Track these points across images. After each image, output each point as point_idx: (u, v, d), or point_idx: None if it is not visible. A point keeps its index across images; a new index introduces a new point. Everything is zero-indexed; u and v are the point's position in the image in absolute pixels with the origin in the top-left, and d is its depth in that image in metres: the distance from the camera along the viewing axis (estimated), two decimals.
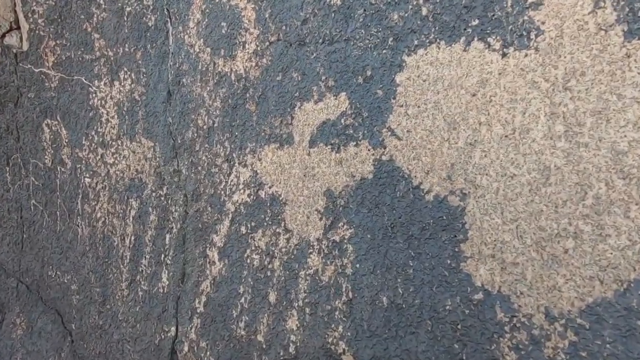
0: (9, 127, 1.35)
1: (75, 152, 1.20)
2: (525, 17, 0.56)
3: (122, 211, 1.10)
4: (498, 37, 0.58)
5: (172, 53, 0.99)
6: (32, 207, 1.35)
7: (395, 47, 0.67)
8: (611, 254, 0.47)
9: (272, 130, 0.82)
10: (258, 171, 0.83)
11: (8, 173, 1.39)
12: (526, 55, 0.56)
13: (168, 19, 0.99)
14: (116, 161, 1.11)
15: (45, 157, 1.28)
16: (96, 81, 1.12)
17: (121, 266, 1.09)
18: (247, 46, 0.87)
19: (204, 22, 0.93)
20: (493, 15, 0.58)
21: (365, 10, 0.71)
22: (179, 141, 0.98)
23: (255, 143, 0.84)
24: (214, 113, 0.92)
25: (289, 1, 0.80)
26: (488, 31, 0.59)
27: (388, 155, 0.66)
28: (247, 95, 0.86)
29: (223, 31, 0.90)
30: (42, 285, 1.35)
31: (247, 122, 0.86)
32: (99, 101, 1.13)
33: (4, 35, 1.27)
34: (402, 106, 0.66)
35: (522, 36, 0.56)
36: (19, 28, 1.23)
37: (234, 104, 0.89)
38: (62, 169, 1.24)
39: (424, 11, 0.65)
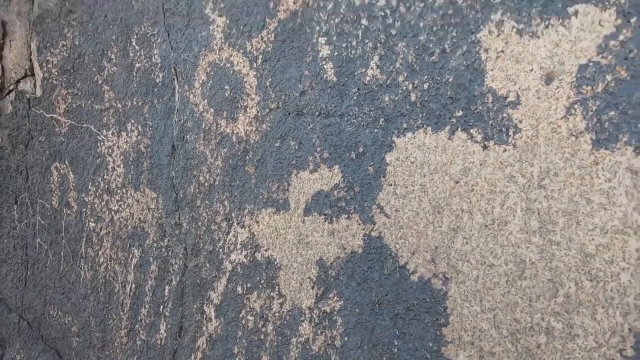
0: (18, 167, 1.44)
1: (81, 196, 1.28)
2: (505, 114, 0.62)
3: (124, 258, 1.17)
4: (480, 130, 0.64)
5: (177, 110, 1.07)
6: (37, 245, 1.43)
7: (386, 128, 0.74)
8: (579, 354, 0.52)
9: (269, 194, 0.88)
10: (255, 233, 0.90)
11: (16, 211, 1.48)
12: (505, 150, 0.61)
13: (175, 77, 1.07)
14: (120, 208, 1.19)
15: (53, 198, 1.36)
16: (104, 130, 1.20)
17: (121, 313, 1.16)
18: (248, 111, 0.94)
19: (209, 84, 1.01)
20: (475, 108, 0.65)
21: (359, 89, 0.78)
22: (181, 195, 1.05)
23: (254, 205, 0.91)
24: (215, 171, 0.99)
25: (289, 72, 0.88)
26: (471, 123, 0.65)
27: (377, 232, 0.72)
28: (247, 157, 0.93)
29: (226, 94, 0.98)
30: (43, 324, 1.42)
31: (246, 184, 0.93)
32: (106, 149, 1.21)
33: (19, 81, 1.37)
34: (391, 185, 0.72)
35: (502, 132, 0.62)
36: (33, 75, 1.34)
37: (235, 164, 0.96)
38: (68, 211, 1.32)
39: (413, 97, 0.71)
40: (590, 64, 0.56)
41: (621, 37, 0.54)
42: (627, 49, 0.54)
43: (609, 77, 0.55)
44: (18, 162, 1.44)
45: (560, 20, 0.59)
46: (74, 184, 1.30)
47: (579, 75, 0.57)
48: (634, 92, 0.53)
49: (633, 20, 0.54)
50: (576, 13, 0.57)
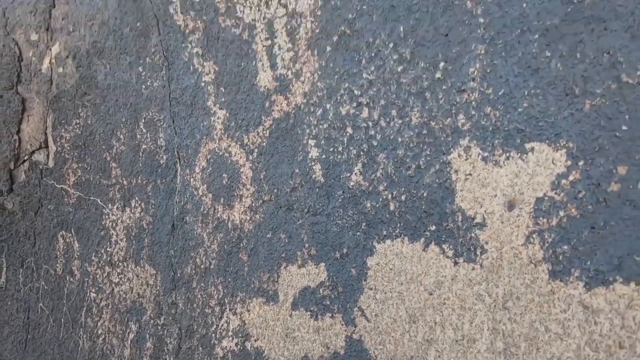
0: (27, 232, 1.53)
1: (84, 266, 1.35)
2: (473, 234, 0.68)
3: (121, 332, 1.22)
4: (451, 246, 0.70)
5: (178, 191, 1.15)
6: (39, 309, 1.50)
7: (368, 232, 0.80)
8: None
9: (260, 284, 0.95)
10: (246, 322, 0.95)
11: (21, 274, 1.55)
12: (473, 268, 0.67)
13: (177, 160, 1.16)
14: (121, 281, 1.25)
15: (57, 265, 1.44)
16: (110, 204, 1.29)
17: None
18: (243, 200, 1.02)
19: (208, 170, 1.10)
20: (447, 225, 0.71)
21: (344, 192, 0.86)
22: (179, 274, 1.12)
23: (245, 293, 0.97)
24: (211, 255, 1.06)
25: (281, 168, 0.96)
26: (443, 238, 0.71)
27: (358, 335, 0.77)
28: (241, 245, 1.00)
29: (224, 182, 1.07)
30: None
31: (239, 271, 0.99)
32: (111, 223, 1.29)
33: (33, 152, 1.48)
34: (371, 289, 0.78)
35: (470, 250, 0.68)
36: (47, 148, 1.45)
37: (229, 250, 1.03)
38: (71, 279, 1.39)
39: (392, 206, 0.78)
40: (546, 198, 0.63)
41: (571, 178, 0.61)
42: (576, 189, 0.61)
43: (561, 213, 0.61)
44: (27, 227, 1.53)
45: (519, 154, 0.66)
46: (78, 253, 1.38)
47: (536, 207, 0.64)
48: (583, 231, 0.59)
49: (580, 163, 0.61)
50: (532, 149, 0.65)
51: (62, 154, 1.43)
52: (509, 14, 0.69)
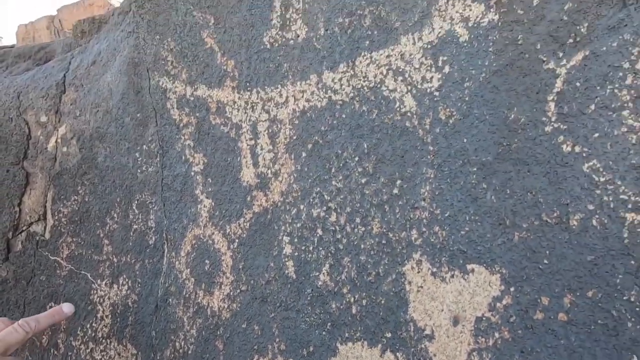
0: (17, 301, 1.60)
1: (69, 340, 1.41)
2: (422, 346, 0.75)
3: None
4: (404, 355, 0.77)
5: (164, 272, 1.24)
6: None
7: (332, 332, 0.88)
8: None
9: None
10: None
11: None
12: None
13: (165, 242, 1.26)
14: (103, 359, 1.31)
15: (43, 337, 1.49)
16: (99, 280, 1.37)
17: None
18: (223, 287, 1.10)
19: (192, 255, 1.19)
20: (401, 334, 0.79)
21: (312, 290, 0.94)
22: (158, 357, 1.18)
23: None
24: (190, 340, 1.12)
25: (258, 260, 1.05)
26: (397, 347, 0.78)
27: None
28: (218, 332, 1.07)
29: (206, 268, 1.15)
30: None
31: (215, 359, 1.05)
32: (99, 298, 1.36)
33: (31, 224, 1.59)
34: None
35: None
36: (45, 220, 1.55)
37: (207, 337, 1.09)
38: (55, 352, 1.44)
39: (354, 310, 0.86)
40: (484, 318, 0.71)
41: (504, 302, 0.69)
42: (509, 313, 0.69)
43: (497, 334, 0.69)
44: (18, 296, 1.60)
45: (462, 273, 0.75)
46: (64, 327, 1.45)
47: (476, 326, 0.71)
48: (514, 354, 0.66)
49: (512, 289, 0.69)
50: (473, 271, 0.74)
51: (59, 228, 1.54)
52: (453, 146, 0.80)
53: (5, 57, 2.00)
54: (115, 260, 1.40)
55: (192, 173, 1.27)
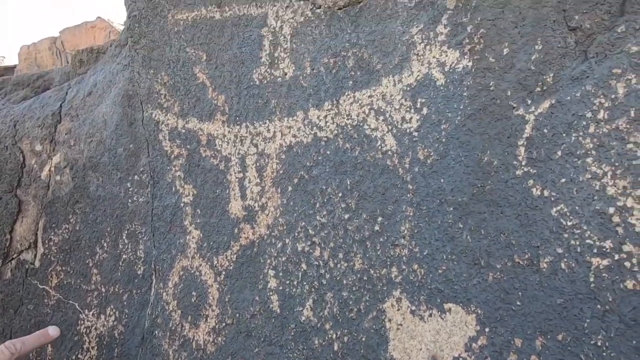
0: (4, 330, 1.60)
1: None
2: None
3: None
4: None
5: (151, 303, 1.25)
6: None
7: None
8: None
9: None
10: None
11: None
12: None
13: (153, 273, 1.28)
14: None
15: None
16: (87, 310, 1.38)
17: None
18: (208, 320, 1.11)
19: (180, 286, 1.20)
20: None
21: (296, 325, 0.95)
22: None
23: None
24: None
25: (244, 294, 1.07)
26: None
27: None
28: None
29: (193, 300, 1.17)
30: None
31: None
32: (85, 329, 1.37)
33: (22, 252, 1.61)
34: None
35: None
36: (36, 248, 1.57)
37: None
38: None
39: (336, 346, 0.87)
40: (460, 358, 0.72)
41: (480, 342, 0.71)
42: (484, 354, 0.70)
43: None
44: (4, 325, 1.61)
45: (439, 312, 0.77)
46: (50, 357, 1.45)
47: None
48: None
49: (487, 330, 0.71)
50: (450, 310, 0.76)
51: (49, 256, 1.56)
52: (431, 185, 0.83)
53: (4, 85, 2.06)
54: (103, 290, 1.42)
55: (182, 204, 1.30)
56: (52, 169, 1.61)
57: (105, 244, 1.46)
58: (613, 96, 0.64)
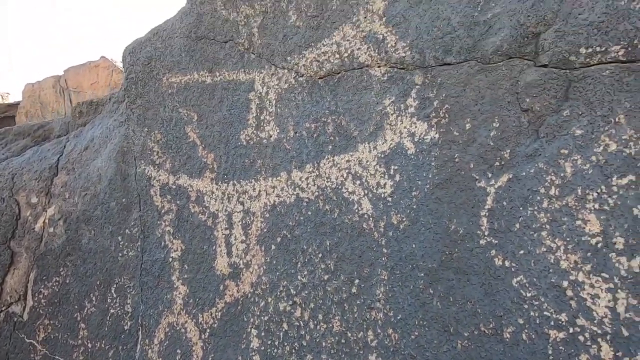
0: None
1: None
2: None
3: None
4: None
5: None
6: None
7: None
8: None
9: None
10: None
11: None
12: None
13: (140, 328, 1.31)
14: None
15: None
16: None
17: None
18: None
19: (165, 344, 1.23)
20: None
21: None
22: None
23: None
24: None
25: (227, 353, 1.09)
26: None
27: None
28: None
29: (177, 358, 1.19)
30: None
31: None
32: None
33: (11, 304, 1.64)
34: None
35: None
36: (25, 300, 1.61)
37: None
38: None
39: None
40: None
41: None
42: None
43: None
44: None
45: None
46: None
47: None
48: None
49: None
50: None
51: (38, 309, 1.59)
52: (404, 250, 0.89)
53: (5, 135, 2.17)
54: (89, 345, 1.44)
55: (170, 259, 1.35)
56: (47, 221, 1.68)
57: (94, 298, 1.50)
58: (562, 174, 0.70)
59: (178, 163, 1.39)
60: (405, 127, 0.94)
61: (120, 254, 1.48)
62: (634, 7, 0.66)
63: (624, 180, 0.65)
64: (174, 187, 1.40)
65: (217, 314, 1.19)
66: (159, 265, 1.37)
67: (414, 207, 0.89)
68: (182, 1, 1.49)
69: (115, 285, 1.46)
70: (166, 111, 1.42)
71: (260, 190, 1.20)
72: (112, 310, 1.44)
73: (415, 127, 0.92)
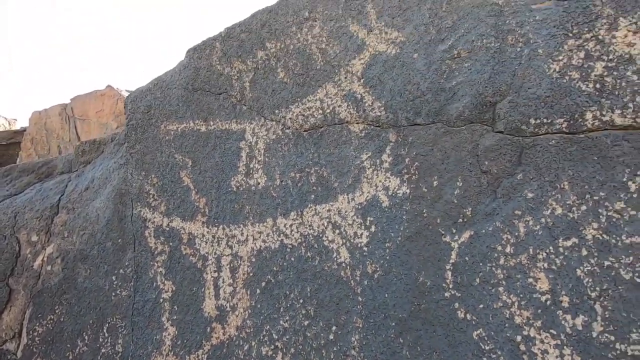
0: None
1: None
2: None
3: None
4: None
5: None
6: None
7: None
8: None
9: None
10: None
11: None
12: None
13: None
14: None
15: None
16: None
17: None
18: None
19: None
20: None
21: None
22: None
23: None
24: None
25: None
26: None
27: None
28: None
29: None
30: None
31: None
32: None
33: (6, 341, 1.70)
34: None
35: None
36: (20, 338, 1.67)
37: None
38: None
39: None
40: None
41: None
42: None
43: None
44: None
45: None
46: None
47: None
48: None
49: None
50: None
51: (31, 347, 1.65)
52: (377, 299, 0.95)
53: (10, 172, 2.28)
54: None
55: (161, 300, 1.41)
56: (45, 259, 1.75)
57: (86, 337, 1.55)
58: (516, 234, 0.77)
59: (172, 206, 1.47)
60: (380, 181, 1.02)
61: (113, 294, 1.54)
62: (574, 85, 0.74)
63: (569, 242, 0.72)
64: (167, 229, 1.48)
65: (203, 356, 1.24)
66: (150, 305, 1.43)
67: (387, 257, 0.96)
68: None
69: (107, 325, 1.52)
70: (163, 156, 1.52)
71: (247, 235, 1.28)
72: (103, 350, 1.49)
73: (390, 181, 1.00)
